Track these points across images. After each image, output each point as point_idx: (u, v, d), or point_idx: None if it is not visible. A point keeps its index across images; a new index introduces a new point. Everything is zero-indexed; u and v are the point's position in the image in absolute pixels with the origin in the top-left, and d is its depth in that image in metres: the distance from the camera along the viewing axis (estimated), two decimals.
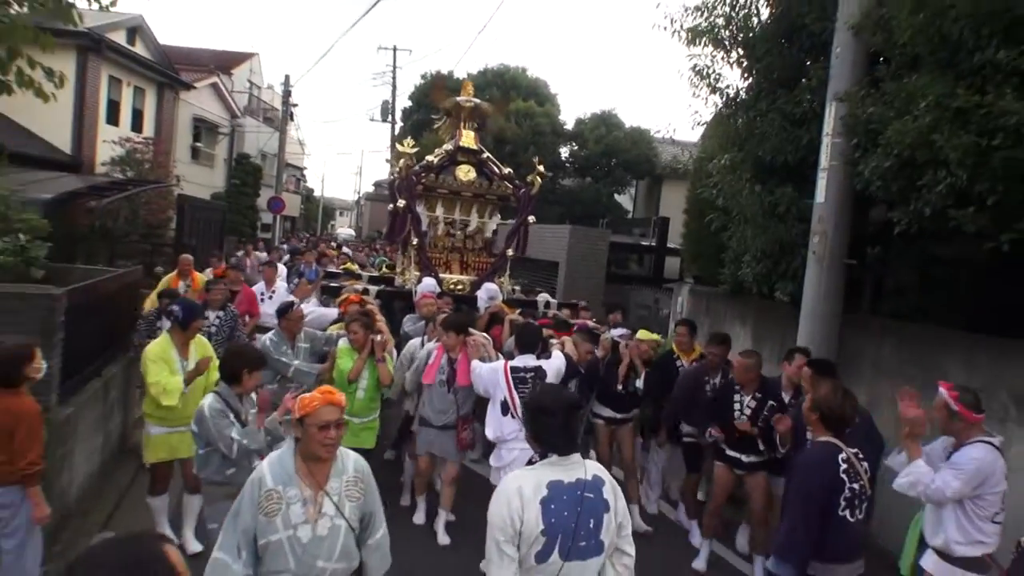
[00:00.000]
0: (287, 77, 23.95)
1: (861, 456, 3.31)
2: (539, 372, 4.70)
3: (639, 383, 5.74)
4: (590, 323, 6.64)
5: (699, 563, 5.23)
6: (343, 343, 5.23)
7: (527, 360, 4.75)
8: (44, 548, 4.16)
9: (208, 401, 3.73)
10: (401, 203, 7.42)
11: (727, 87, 7.38)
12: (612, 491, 2.55)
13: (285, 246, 18.89)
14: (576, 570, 2.43)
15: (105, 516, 5.32)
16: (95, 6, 6.25)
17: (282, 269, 10.46)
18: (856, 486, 3.22)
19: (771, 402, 4.96)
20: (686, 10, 7.11)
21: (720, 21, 7.03)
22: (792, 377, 5.17)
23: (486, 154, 8.00)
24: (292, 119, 26.03)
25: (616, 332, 6.23)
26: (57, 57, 6.71)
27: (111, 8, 6.37)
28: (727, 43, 7.10)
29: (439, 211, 7.83)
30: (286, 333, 5.38)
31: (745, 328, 8.24)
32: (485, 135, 8.23)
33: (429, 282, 7.11)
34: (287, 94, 24.11)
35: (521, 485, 2.44)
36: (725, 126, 7.66)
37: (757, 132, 6.81)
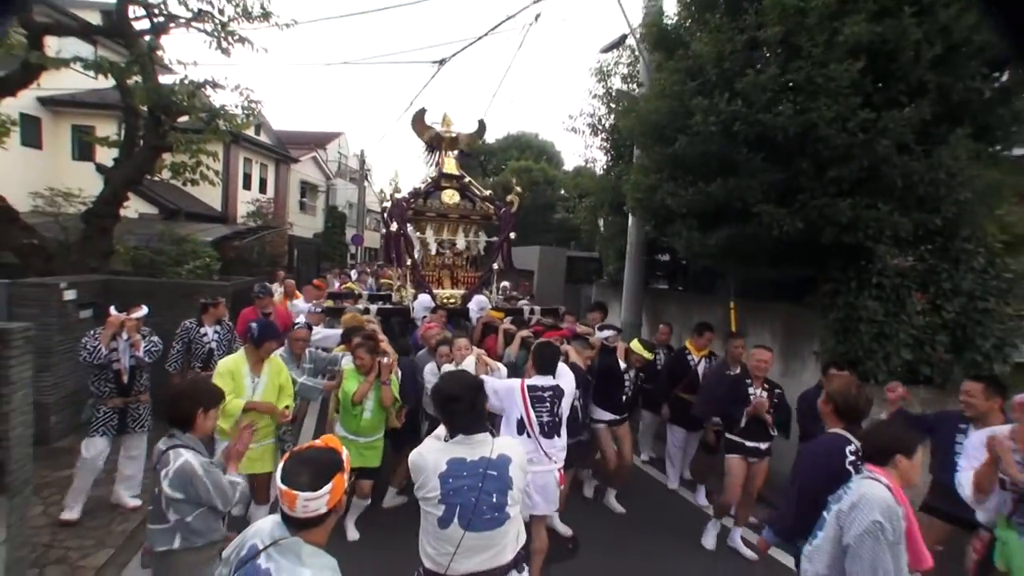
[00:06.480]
0: (363, 151, 26.86)
1: None
2: (557, 391, 3.66)
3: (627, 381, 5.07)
4: (578, 328, 5.68)
5: (708, 541, 4.56)
6: (348, 364, 4.29)
7: (545, 380, 3.68)
8: None
9: (189, 458, 2.42)
10: (394, 227, 6.73)
11: (596, 159, 9.74)
12: (518, 469, 2.29)
13: (354, 271, 19.56)
14: (480, 540, 2.17)
15: None
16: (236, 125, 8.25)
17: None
18: None
19: (777, 390, 4.48)
20: (569, 117, 9.69)
21: (591, 120, 9.30)
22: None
23: (468, 178, 7.51)
24: (367, 178, 28.30)
25: (602, 334, 5.26)
26: (209, 148, 7.88)
27: (244, 129, 8.75)
28: (594, 135, 9.37)
29: (429, 233, 7.22)
30: (293, 352, 4.56)
31: (618, 305, 8.59)
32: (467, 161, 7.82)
33: (425, 298, 6.43)
34: (362, 162, 26.92)
35: (426, 462, 2.22)
36: (592, 182, 9.89)
37: (608, 186, 8.99)
